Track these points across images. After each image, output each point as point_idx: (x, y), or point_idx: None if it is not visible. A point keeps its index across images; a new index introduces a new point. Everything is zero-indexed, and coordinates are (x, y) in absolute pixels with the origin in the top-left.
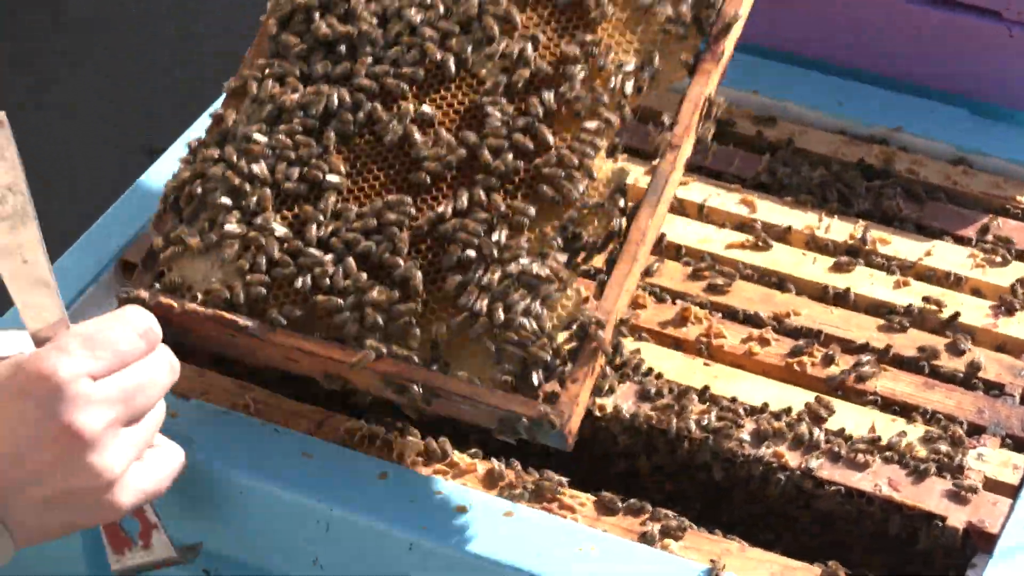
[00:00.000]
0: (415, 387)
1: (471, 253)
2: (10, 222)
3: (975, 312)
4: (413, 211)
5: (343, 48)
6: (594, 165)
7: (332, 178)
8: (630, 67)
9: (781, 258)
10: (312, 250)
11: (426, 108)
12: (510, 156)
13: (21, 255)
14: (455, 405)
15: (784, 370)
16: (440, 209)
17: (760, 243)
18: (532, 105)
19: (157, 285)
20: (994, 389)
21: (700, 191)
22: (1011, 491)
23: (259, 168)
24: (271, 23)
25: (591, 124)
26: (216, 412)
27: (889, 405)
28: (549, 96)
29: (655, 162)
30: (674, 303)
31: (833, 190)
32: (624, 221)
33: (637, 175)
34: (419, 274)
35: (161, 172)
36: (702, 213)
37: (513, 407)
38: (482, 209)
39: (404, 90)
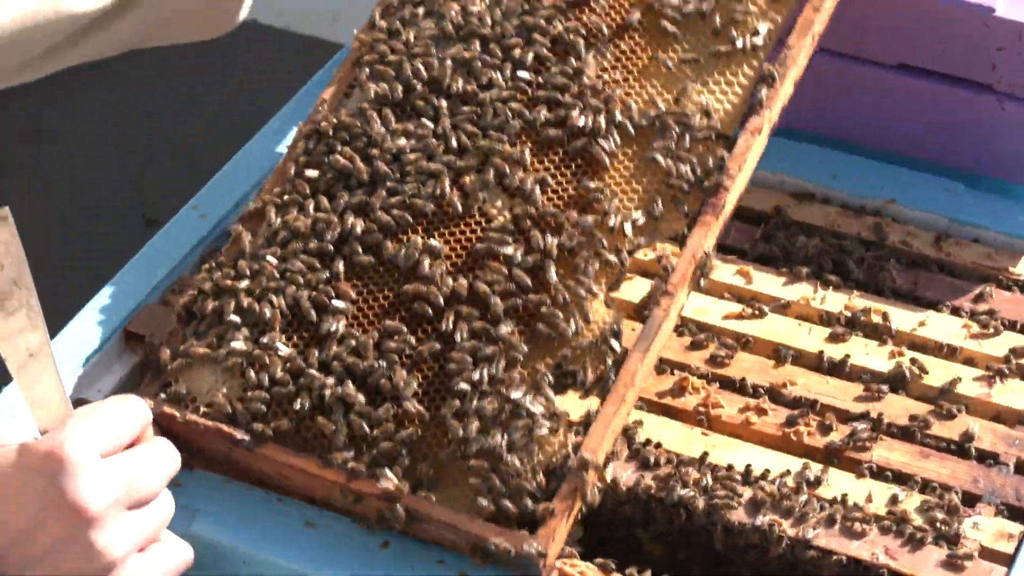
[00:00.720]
0: (399, 509)
1: (465, 385)
2: (16, 316)
3: (969, 382)
4: (413, 340)
5: (355, 176)
6: (591, 307)
7: (339, 303)
8: (632, 215)
9: (777, 328)
10: (313, 372)
11: (434, 242)
12: (511, 296)
13: (27, 349)
14: (436, 530)
15: (781, 439)
16: (439, 341)
17: (756, 314)
18: (535, 245)
19: (163, 395)
20: (988, 458)
21: None
22: (1006, 560)
23: (270, 290)
24: (297, 151)
25: (590, 268)
26: (219, 481)
27: (885, 473)
28: (552, 242)
29: (649, 308)
30: (672, 373)
31: (828, 261)
32: (615, 364)
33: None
34: (413, 404)
35: (162, 246)
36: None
37: (492, 538)
38: (480, 342)
39: (414, 224)
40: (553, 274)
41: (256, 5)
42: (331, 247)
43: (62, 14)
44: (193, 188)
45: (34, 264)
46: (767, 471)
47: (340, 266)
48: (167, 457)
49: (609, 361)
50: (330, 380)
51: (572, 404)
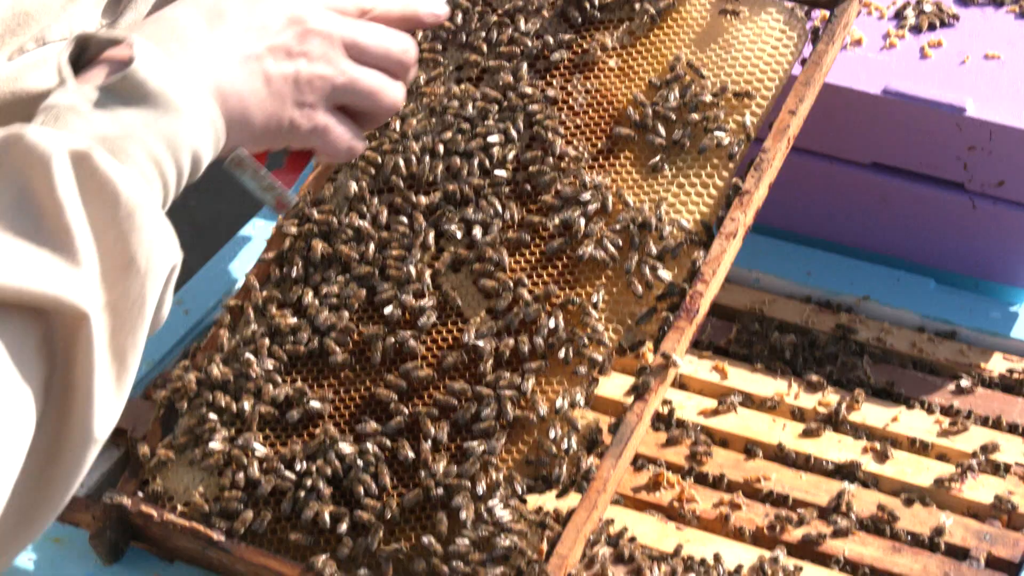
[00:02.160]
0: None
1: (440, 491)
2: None
3: (939, 477)
4: (388, 442)
5: (333, 273)
6: (570, 415)
7: (315, 404)
8: (610, 323)
9: (752, 424)
10: (288, 473)
11: (412, 343)
12: (487, 409)
13: None
14: None
15: (755, 534)
16: (414, 454)
17: (731, 410)
18: (514, 350)
19: (140, 493)
20: (959, 553)
21: None
22: None
23: (247, 390)
24: (269, 255)
25: (569, 376)
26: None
27: (858, 568)
28: (529, 348)
29: (622, 413)
30: (647, 468)
31: (802, 357)
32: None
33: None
34: (381, 516)
35: (155, 339)
36: (675, 380)
37: None
38: (456, 447)
39: (391, 324)
40: (530, 386)
41: None
42: (307, 347)
43: (18, 94)
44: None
45: None
46: (740, 566)
47: (316, 367)
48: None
49: (584, 465)
50: (308, 482)
51: (546, 504)
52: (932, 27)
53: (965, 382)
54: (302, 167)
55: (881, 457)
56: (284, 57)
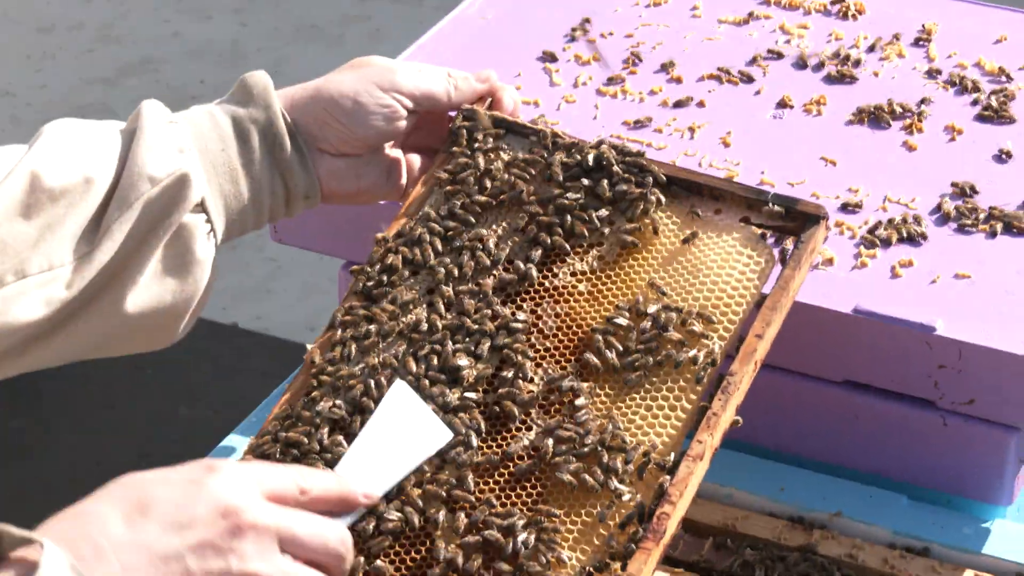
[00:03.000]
0: None
1: None
2: None
3: None
4: None
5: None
6: None
7: None
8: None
9: None
10: None
11: (379, 563)
12: None
13: None
14: None
15: None
16: None
17: None
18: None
19: None
20: None
21: None
22: None
23: None
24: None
25: None
26: None
27: None
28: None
29: None
30: None
31: (774, 574)
32: None
33: None
34: None
35: None
36: None
37: None
38: None
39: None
40: None
41: (237, 310)
42: None
43: (1, 328)
44: None
45: None
46: None
47: None
48: (330, 532)
49: None
50: None
51: None
52: (902, 239)
53: None
54: None
55: None
56: (212, 555)
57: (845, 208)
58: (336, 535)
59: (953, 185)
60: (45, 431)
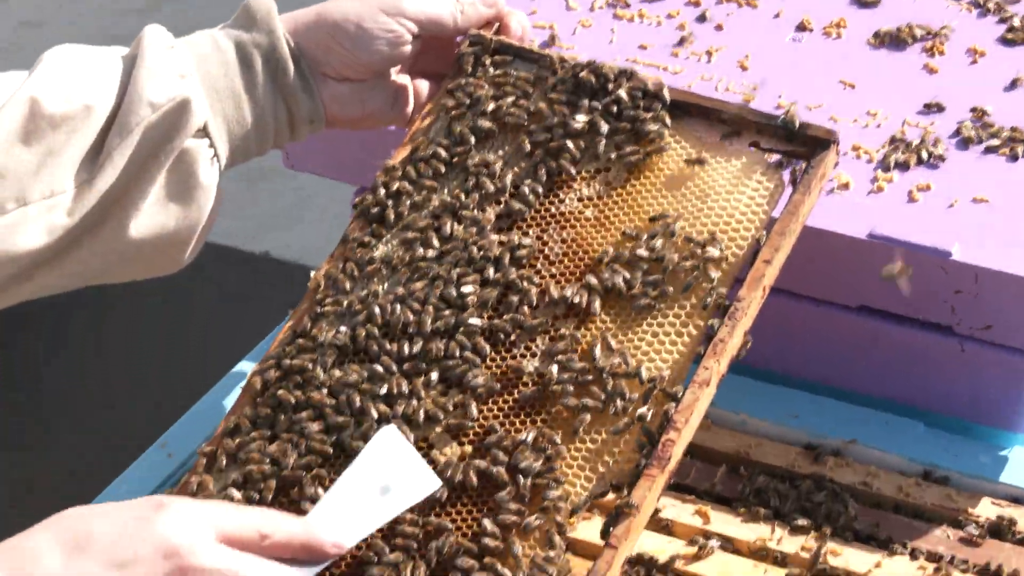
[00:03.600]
0: None
1: None
2: None
3: None
4: None
5: (304, 414)
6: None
7: None
8: (581, 475)
9: (733, 569)
10: None
11: None
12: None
13: None
14: None
15: None
16: None
17: (712, 554)
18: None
19: None
20: None
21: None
22: None
23: None
24: (252, 390)
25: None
26: None
27: None
28: (493, 527)
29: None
30: None
31: (787, 502)
32: None
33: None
34: None
35: (127, 485)
36: (656, 523)
37: None
38: None
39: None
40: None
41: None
42: (275, 496)
43: (1, 256)
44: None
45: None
46: None
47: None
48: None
49: None
50: None
51: None
52: (920, 162)
53: (952, 527)
54: None
55: None
56: None
57: (862, 131)
58: None
59: (973, 109)
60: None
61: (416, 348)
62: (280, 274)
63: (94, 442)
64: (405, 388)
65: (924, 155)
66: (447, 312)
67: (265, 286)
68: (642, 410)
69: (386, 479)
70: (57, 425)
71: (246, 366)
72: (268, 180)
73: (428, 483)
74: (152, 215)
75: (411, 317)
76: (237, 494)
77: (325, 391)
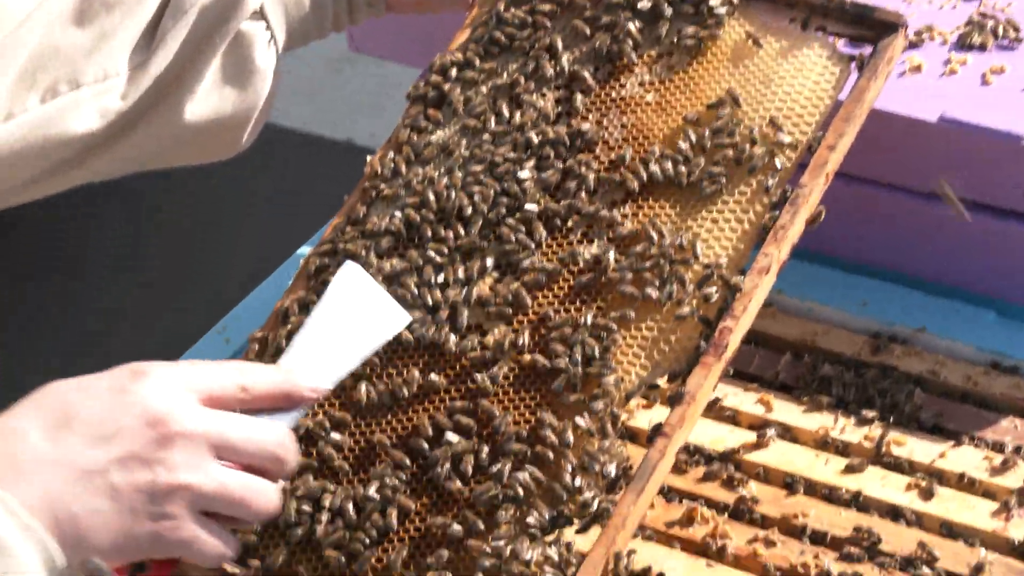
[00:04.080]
0: None
1: (458, 528)
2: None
3: (985, 515)
4: (406, 475)
5: None
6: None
7: (335, 436)
8: (637, 361)
9: (794, 458)
10: (306, 508)
11: (434, 376)
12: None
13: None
14: None
15: (788, 572)
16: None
17: (773, 443)
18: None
19: None
20: None
21: (717, 389)
22: None
23: None
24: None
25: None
26: None
27: None
28: (548, 417)
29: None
30: (681, 503)
31: (852, 391)
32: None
33: None
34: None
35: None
36: (717, 412)
37: None
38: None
39: (412, 354)
40: (553, 424)
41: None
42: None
43: (53, 139)
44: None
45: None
46: None
47: (339, 397)
48: (268, 435)
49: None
50: (324, 516)
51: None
52: (996, 35)
53: (1019, 418)
54: (171, 566)
55: (926, 494)
56: (138, 467)
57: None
58: (274, 437)
59: None
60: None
61: (471, 233)
62: (362, 162)
63: (153, 327)
64: (461, 274)
65: (1000, 37)
66: (503, 198)
67: (343, 174)
68: (699, 297)
69: (354, 317)
70: (116, 310)
71: (307, 251)
72: (353, 66)
73: (397, 319)
74: (207, 99)
75: (466, 202)
76: None
77: (380, 278)
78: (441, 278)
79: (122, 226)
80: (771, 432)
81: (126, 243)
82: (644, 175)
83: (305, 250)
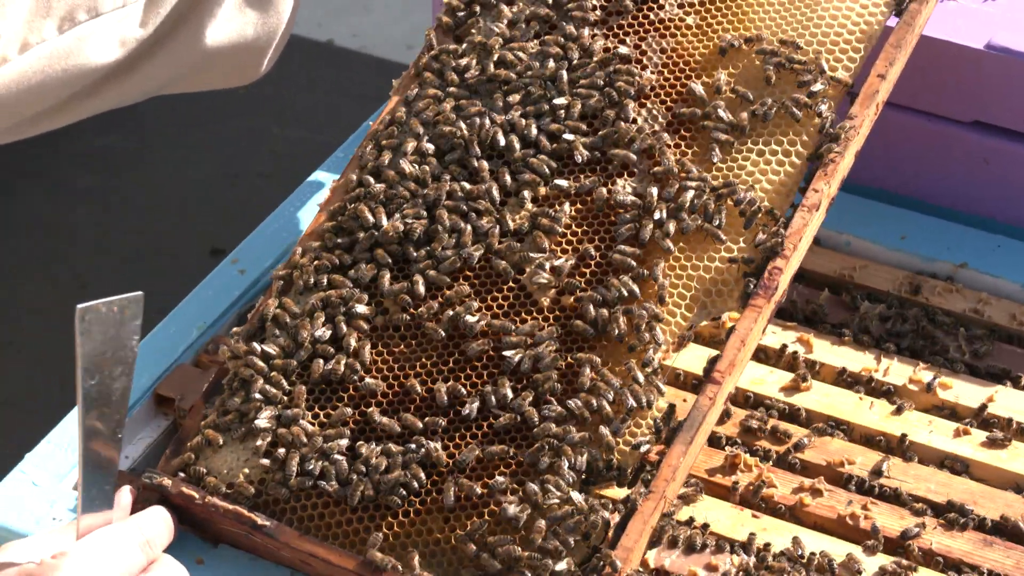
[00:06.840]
0: None
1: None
2: (110, 407)
3: None
4: (444, 422)
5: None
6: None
7: (369, 382)
8: (683, 300)
9: (836, 402)
10: (339, 457)
11: (470, 318)
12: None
13: (103, 440)
14: None
15: (835, 523)
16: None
17: (815, 385)
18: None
19: (182, 474)
20: None
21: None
22: None
23: (293, 368)
24: (332, 208)
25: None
26: (243, 559)
27: (937, 559)
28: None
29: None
30: (724, 449)
31: (893, 329)
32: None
33: None
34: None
35: (198, 303)
36: (756, 354)
37: None
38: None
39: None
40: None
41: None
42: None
43: (71, 71)
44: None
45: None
46: (814, 555)
47: (367, 347)
48: None
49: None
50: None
51: (612, 491)
52: None
53: None
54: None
55: (974, 440)
56: None
57: None
58: None
59: None
60: (138, 145)
61: (506, 160)
62: (355, 63)
63: (155, 245)
64: (496, 194)
65: None
66: (539, 124)
67: (340, 76)
68: (747, 236)
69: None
70: (118, 226)
71: (322, 176)
72: None
73: (133, 306)
74: (229, 22)
75: (500, 135)
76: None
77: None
78: (477, 205)
79: (132, 139)
80: (814, 373)
81: (143, 158)
82: (685, 102)
83: (319, 174)
